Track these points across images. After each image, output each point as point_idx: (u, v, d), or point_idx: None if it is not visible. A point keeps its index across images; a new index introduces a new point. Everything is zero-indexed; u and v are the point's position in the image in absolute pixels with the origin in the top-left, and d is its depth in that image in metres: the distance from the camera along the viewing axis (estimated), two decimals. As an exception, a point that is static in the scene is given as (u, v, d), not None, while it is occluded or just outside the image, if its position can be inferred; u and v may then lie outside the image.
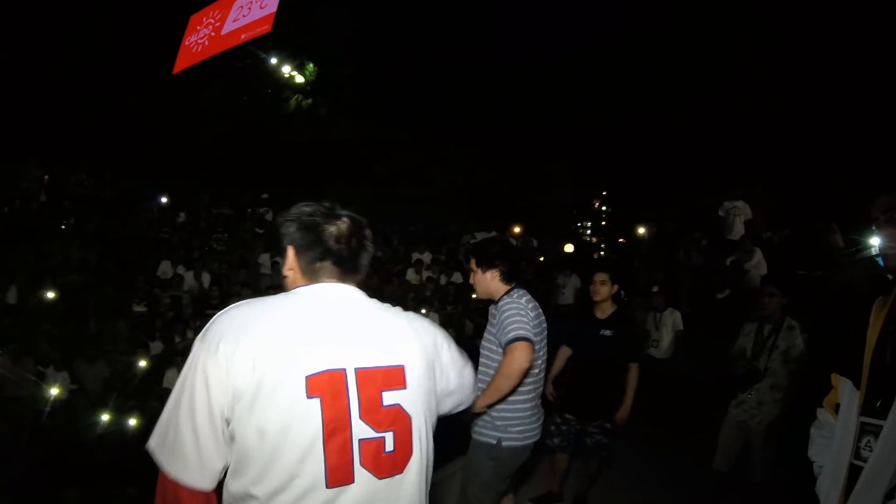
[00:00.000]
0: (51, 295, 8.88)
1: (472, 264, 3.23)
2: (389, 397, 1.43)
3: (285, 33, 20.99)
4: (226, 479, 1.37)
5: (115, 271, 10.02)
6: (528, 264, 12.54)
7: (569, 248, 16.32)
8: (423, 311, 10.86)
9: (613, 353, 4.33)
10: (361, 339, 1.45)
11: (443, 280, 12.29)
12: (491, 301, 3.26)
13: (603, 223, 45.87)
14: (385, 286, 11.95)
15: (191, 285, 10.48)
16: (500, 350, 2.99)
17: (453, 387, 1.66)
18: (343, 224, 1.56)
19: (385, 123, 18.84)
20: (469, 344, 10.23)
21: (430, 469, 1.53)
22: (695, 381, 6.76)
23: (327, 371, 1.35)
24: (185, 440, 1.33)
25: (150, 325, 9.15)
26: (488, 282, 3.18)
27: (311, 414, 1.32)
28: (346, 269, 1.56)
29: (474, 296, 3.38)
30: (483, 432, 3.09)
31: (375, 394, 1.41)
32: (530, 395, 3.13)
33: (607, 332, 4.32)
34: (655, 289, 8.44)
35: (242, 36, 20.07)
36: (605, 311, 4.40)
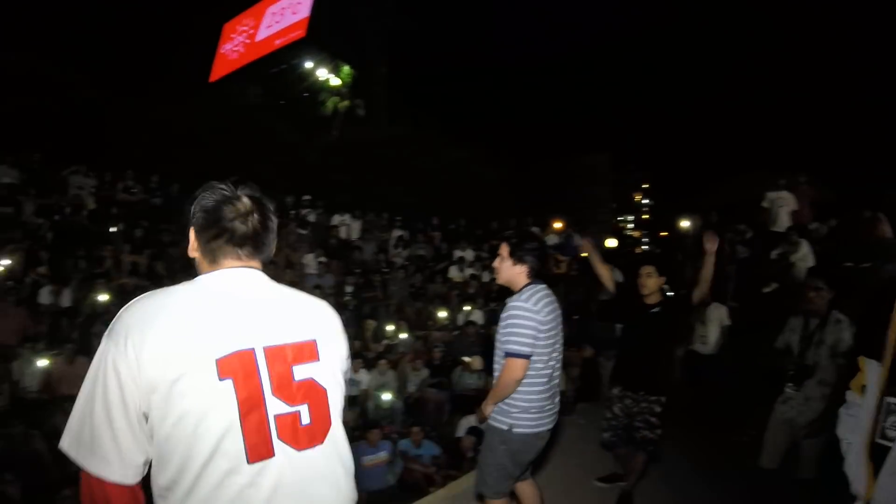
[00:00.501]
0: (103, 297, 8.96)
1: (505, 251, 3.34)
2: (301, 371, 1.46)
3: (320, 37, 21.25)
4: (151, 473, 1.39)
5: (165, 274, 10.10)
6: (572, 260, 12.36)
7: (611, 242, 16.13)
8: (468, 307, 10.75)
9: (661, 329, 4.55)
10: (268, 317, 1.47)
11: (486, 277, 12.12)
12: (509, 291, 3.41)
13: (644, 217, 45.23)
14: (428, 284, 11.86)
15: (239, 286, 10.43)
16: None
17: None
18: (240, 203, 1.55)
19: (423, 122, 18.80)
20: None
21: (346, 439, 1.57)
22: (741, 378, 6.73)
23: (236, 352, 1.37)
24: (102, 438, 1.34)
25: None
26: (515, 274, 3.32)
27: (226, 395, 1.34)
28: (245, 248, 1.54)
29: (497, 281, 3.55)
30: (497, 418, 3.30)
31: (286, 369, 1.44)
32: (543, 386, 3.27)
33: (655, 310, 4.52)
34: None
35: (277, 42, 20.39)
36: (652, 300, 4.56)
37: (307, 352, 1.49)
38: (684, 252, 11.88)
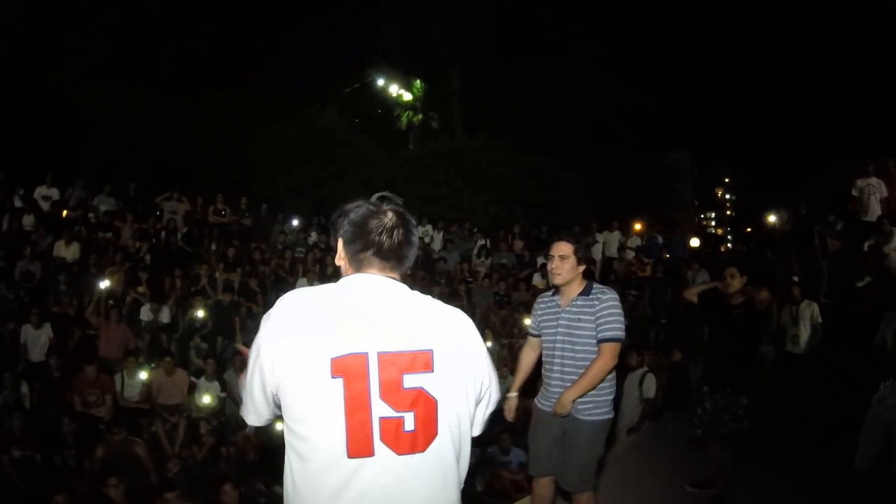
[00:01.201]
0: (200, 314, 9.22)
1: (568, 250, 3.38)
2: (411, 380, 1.50)
3: (390, 53, 21.63)
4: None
5: (258, 290, 10.32)
6: (657, 262, 11.90)
7: (695, 242, 15.53)
8: None
9: (746, 331, 4.63)
10: (388, 324, 1.53)
11: None
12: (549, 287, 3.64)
13: (728, 213, 43.35)
14: (512, 292, 11.66)
15: (327, 300, 10.58)
16: (595, 341, 3.30)
17: (480, 412, 1.69)
18: (386, 217, 1.64)
19: (500, 131, 18.66)
20: None
21: (460, 451, 1.58)
22: (836, 378, 6.32)
23: (351, 354, 1.46)
24: (249, 402, 1.60)
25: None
26: (578, 274, 3.41)
27: (335, 392, 1.44)
28: (388, 260, 1.63)
29: (556, 282, 3.53)
30: (596, 412, 3.37)
31: (396, 376, 1.49)
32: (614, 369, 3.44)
33: (739, 311, 4.59)
34: (795, 279, 7.84)
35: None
36: (736, 300, 4.64)
37: (421, 362, 1.52)
38: (773, 248, 11.23)
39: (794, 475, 5.10)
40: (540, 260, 12.58)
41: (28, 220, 10.61)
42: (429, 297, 1.68)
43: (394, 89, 22.32)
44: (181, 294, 9.80)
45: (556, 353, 3.42)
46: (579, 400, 3.31)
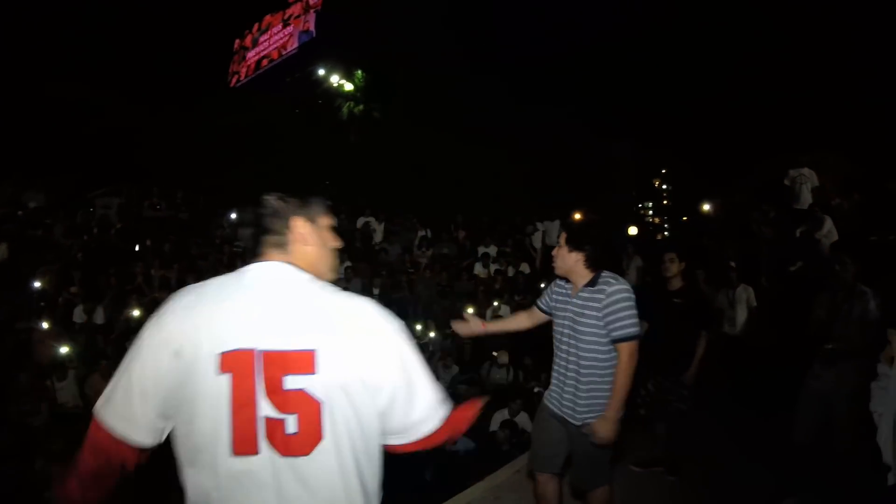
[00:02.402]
0: (136, 313, 9.07)
1: (562, 240, 3.21)
2: (292, 381, 1.46)
3: (332, 43, 21.40)
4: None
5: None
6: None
7: (632, 230, 16.00)
8: (496, 303, 10.69)
9: (684, 320, 4.72)
10: (275, 321, 1.49)
11: (511, 272, 12.04)
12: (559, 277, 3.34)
13: (665, 202, 44.48)
14: (455, 282, 11.80)
15: (268, 294, 10.55)
16: (607, 340, 3.06)
17: (398, 415, 1.60)
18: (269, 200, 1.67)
19: (441, 123, 18.74)
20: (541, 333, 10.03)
21: (357, 457, 1.53)
22: (771, 357, 6.64)
23: (237, 350, 1.44)
24: (128, 400, 1.52)
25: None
26: (572, 262, 3.17)
27: (221, 388, 1.44)
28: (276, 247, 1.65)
29: (556, 271, 3.36)
30: (600, 413, 3.13)
31: (277, 376, 1.46)
32: None
33: (678, 300, 4.78)
34: (733, 264, 8.13)
35: (285, 51, 20.51)
36: (675, 285, 4.84)
37: (302, 362, 1.47)
38: (708, 235, 11.70)
39: (736, 452, 5.23)
40: (481, 249, 12.78)
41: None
42: (333, 288, 1.62)
43: (335, 79, 22.11)
44: (116, 293, 9.61)
45: (563, 346, 3.23)
46: (578, 407, 3.12)
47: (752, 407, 6.05)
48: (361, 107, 22.35)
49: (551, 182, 20.56)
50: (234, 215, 13.55)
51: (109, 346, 8.43)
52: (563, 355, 3.23)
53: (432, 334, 9.89)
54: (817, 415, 4.39)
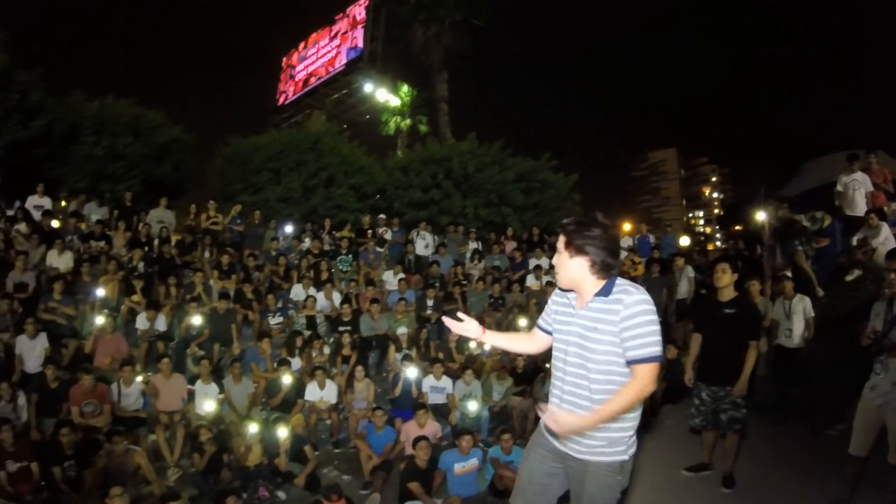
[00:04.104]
0: (197, 321, 9.18)
1: (561, 244, 2.65)
2: None
3: (377, 60, 21.62)
4: None
5: (252, 298, 10.25)
6: (650, 261, 11.97)
7: (684, 240, 15.65)
8: None
9: (735, 329, 4.79)
10: None
11: None
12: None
13: (716, 211, 43.64)
14: (506, 294, 11.66)
15: (323, 305, 10.58)
16: (616, 358, 2.54)
17: None
18: None
19: (488, 134, 18.66)
20: None
21: None
22: (829, 369, 6.64)
23: None
24: None
25: (290, 343, 9.27)
26: (575, 268, 2.61)
27: None
28: None
29: (558, 284, 2.83)
30: (611, 451, 2.64)
31: None
32: None
33: (729, 311, 4.83)
34: (787, 274, 7.93)
35: (332, 69, 20.70)
36: (726, 296, 4.89)
37: None
38: (762, 245, 11.40)
39: (791, 465, 5.24)
40: (532, 261, 12.62)
41: (21, 230, 10.48)
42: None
43: (381, 94, 22.29)
44: (176, 302, 9.73)
45: (569, 368, 2.68)
46: (590, 434, 2.61)
47: (807, 418, 6.16)
48: (408, 121, 22.47)
49: (598, 192, 20.31)
50: (288, 228, 13.68)
51: (169, 351, 8.53)
52: (571, 378, 2.68)
53: (487, 347, 9.71)
54: (874, 426, 4.27)
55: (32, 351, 7.87)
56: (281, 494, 6.81)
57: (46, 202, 11.79)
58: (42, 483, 6.16)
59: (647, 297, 2.54)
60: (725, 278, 4.83)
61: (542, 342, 2.99)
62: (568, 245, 2.60)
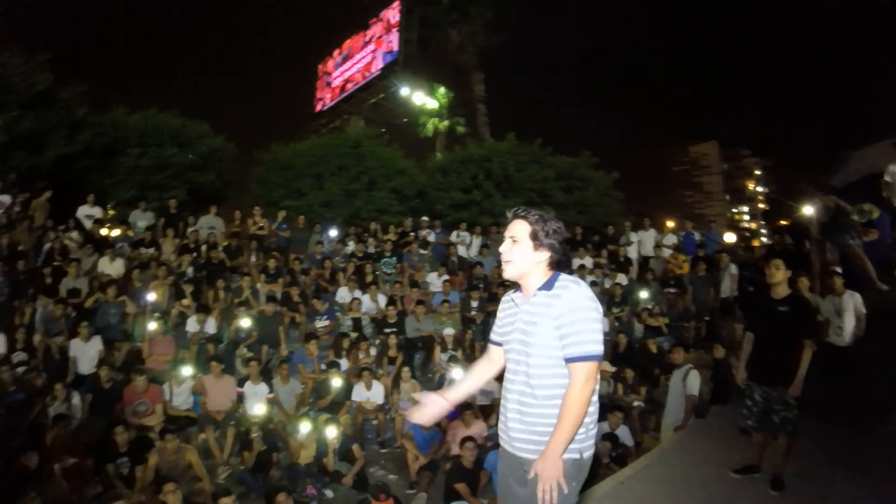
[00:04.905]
0: (246, 324, 9.27)
1: (521, 232, 2.48)
2: None
3: (412, 63, 21.70)
4: None
5: (298, 300, 10.31)
6: (695, 258, 11.66)
7: (729, 237, 15.21)
8: None
9: (789, 327, 4.63)
10: None
11: (607, 283, 11.74)
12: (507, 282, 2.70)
13: (760, 206, 42.20)
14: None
15: (368, 307, 10.59)
16: (555, 354, 2.37)
17: None
18: None
19: (526, 133, 18.50)
20: (640, 346, 9.81)
21: None
22: (881, 368, 6.42)
23: None
24: None
25: (337, 345, 9.28)
26: (530, 263, 2.47)
27: None
28: None
29: (505, 275, 2.58)
30: None
31: None
32: (596, 392, 2.49)
33: (783, 308, 4.68)
34: (837, 269, 7.58)
35: (368, 73, 20.77)
36: (779, 293, 4.75)
37: None
38: (810, 240, 11.01)
39: (842, 466, 5.10)
40: (576, 261, 12.42)
41: (73, 238, 10.74)
42: None
43: (418, 97, 22.35)
44: (225, 305, 9.85)
45: (510, 364, 2.56)
46: (518, 435, 2.47)
47: (860, 419, 5.90)
48: (446, 122, 22.49)
49: (638, 189, 19.95)
50: (332, 232, 13.76)
51: (219, 353, 8.68)
52: (510, 375, 2.55)
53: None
54: None
55: (87, 353, 8.06)
56: (328, 493, 6.83)
57: (97, 212, 12.09)
58: (96, 479, 6.30)
59: (588, 292, 2.40)
60: (779, 274, 4.72)
61: (499, 359, 2.74)
62: (534, 237, 2.45)
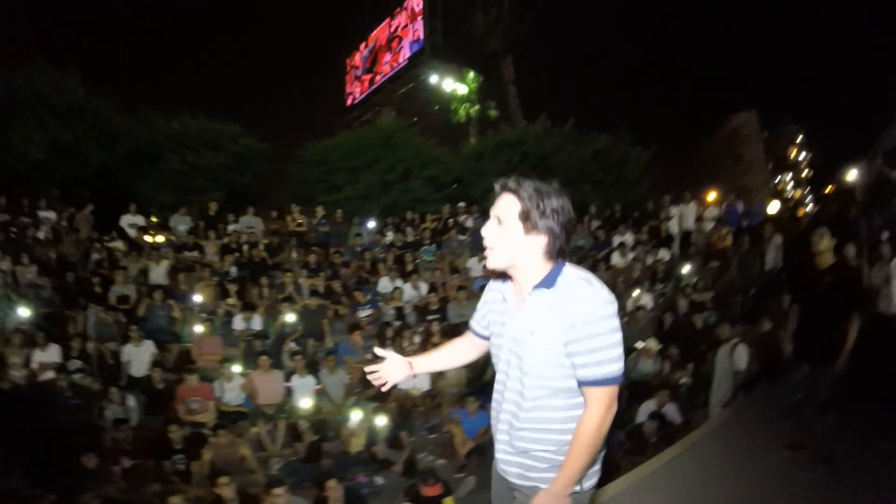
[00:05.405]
0: (291, 319, 9.38)
1: (510, 212, 1.96)
2: None
3: (440, 50, 21.62)
4: None
5: (341, 293, 10.37)
6: (738, 231, 11.34)
7: (773, 206, 14.75)
8: (636, 293, 10.16)
9: (835, 299, 4.42)
10: None
11: (649, 260, 11.52)
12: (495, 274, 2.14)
13: (804, 174, 40.65)
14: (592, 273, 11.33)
15: (410, 295, 10.61)
16: (566, 373, 1.94)
17: None
18: None
19: (558, 114, 18.28)
20: (685, 322, 9.44)
21: None
22: None
23: None
24: None
25: (381, 334, 9.30)
26: (522, 250, 1.96)
27: None
28: None
29: (488, 265, 2.02)
30: (551, 477, 2.01)
31: None
32: None
33: (829, 279, 4.52)
34: (884, 236, 7.12)
35: (397, 64, 20.76)
36: (824, 263, 4.58)
37: None
38: (857, 206, 10.53)
39: (889, 434, 4.78)
40: (616, 239, 12.22)
41: (119, 247, 11.02)
42: None
43: (448, 84, 22.27)
44: (269, 302, 9.96)
45: (500, 377, 2.13)
46: (530, 462, 2.06)
47: None
48: (477, 107, 22.37)
49: (677, 163, 19.52)
50: (370, 224, 13.82)
51: (267, 349, 8.78)
52: (500, 387, 2.12)
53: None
54: None
55: (139, 356, 8.22)
56: (378, 480, 6.87)
57: (139, 220, 12.34)
58: (154, 476, 6.43)
59: (606, 295, 1.90)
60: (824, 243, 4.57)
61: (480, 347, 2.37)
62: (525, 217, 1.93)
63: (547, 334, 1.90)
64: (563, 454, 1.95)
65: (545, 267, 1.96)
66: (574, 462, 1.91)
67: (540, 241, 1.93)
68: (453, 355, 2.43)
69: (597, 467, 2.08)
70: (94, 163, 13.81)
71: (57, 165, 13.13)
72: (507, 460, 2.10)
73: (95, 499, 5.31)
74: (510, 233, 1.95)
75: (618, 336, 1.88)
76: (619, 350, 1.89)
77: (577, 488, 1.99)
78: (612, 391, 1.89)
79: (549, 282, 1.93)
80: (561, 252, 1.97)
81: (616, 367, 1.87)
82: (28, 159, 12.99)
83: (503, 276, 2.12)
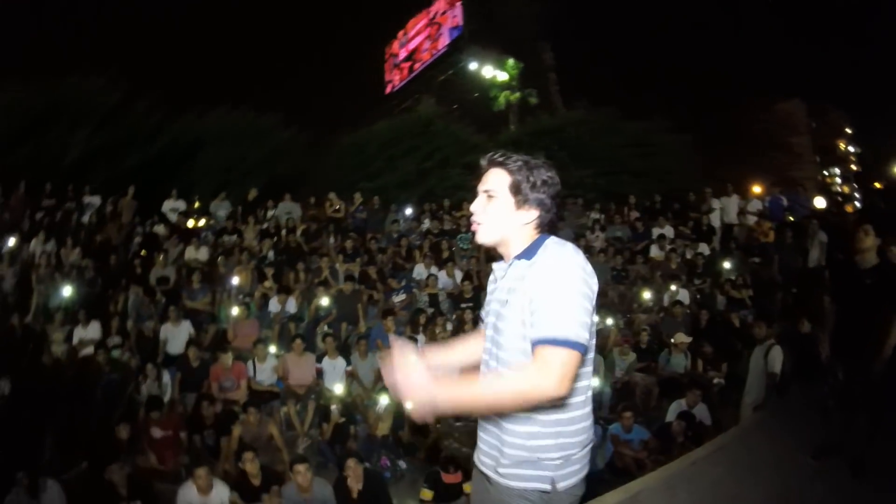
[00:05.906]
0: (325, 302, 9.50)
1: (501, 186, 1.89)
2: None
3: (479, 37, 21.54)
4: None
5: (376, 278, 10.43)
6: (781, 225, 10.98)
7: (819, 201, 14.23)
8: (673, 286, 9.95)
9: (878, 298, 4.21)
10: None
11: (688, 254, 11.25)
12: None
13: (853, 167, 38.80)
14: (629, 266, 11.13)
15: (444, 283, 10.60)
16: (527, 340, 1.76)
17: None
18: None
19: (598, 100, 17.98)
20: (722, 319, 9.23)
21: None
22: None
23: None
24: None
25: (414, 321, 9.32)
26: (511, 224, 1.89)
27: None
28: None
29: (478, 240, 1.94)
30: (522, 474, 1.83)
31: None
32: (588, 405, 1.90)
33: (871, 277, 4.30)
34: None
35: (436, 51, 20.66)
36: (868, 261, 4.36)
37: None
38: None
39: None
40: (656, 230, 11.96)
41: (160, 230, 11.32)
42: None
43: (487, 71, 22.18)
44: (305, 286, 10.08)
45: (483, 357, 2.01)
46: (485, 446, 1.95)
47: None
48: (518, 94, 22.22)
49: (720, 152, 19.00)
50: (407, 211, 13.85)
51: (301, 331, 8.92)
52: (483, 368, 2.00)
53: (608, 320, 9.26)
54: None
55: (177, 336, 8.46)
56: (402, 464, 6.97)
57: (180, 205, 12.67)
58: (184, 450, 6.67)
59: (575, 258, 1.77)
60: (868, 241, 4.34)
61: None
62: (517, 190, 1.87)
63: (516, 302, 1.80)
64: (526, 437, 1.81)
65: (532, 240, 1.89)
66: (469, 394, 1.74)
67: (531, 215, 1.88)
68: (468, 349, 2.24)
69: (575, 467, 1.86)
70: (134, 160, 14.23)
71: (97, 163, 13.55)
72: (483, 450, 1.96)
73: (125, 468, 5.47)
74: (501, 207, 1.89)
75: (582, 302, 1.72)
76: (579, 315, 1.70)
77: (548, 487, 1.81)
78: (562, 355, 1.65)
79: (529, 253, 1.84)
80: (551, 225, 1.91)
81: (571, 330, 1.66)
82: (68, 159, 13.49)
83: (502, 257, 2.01)
